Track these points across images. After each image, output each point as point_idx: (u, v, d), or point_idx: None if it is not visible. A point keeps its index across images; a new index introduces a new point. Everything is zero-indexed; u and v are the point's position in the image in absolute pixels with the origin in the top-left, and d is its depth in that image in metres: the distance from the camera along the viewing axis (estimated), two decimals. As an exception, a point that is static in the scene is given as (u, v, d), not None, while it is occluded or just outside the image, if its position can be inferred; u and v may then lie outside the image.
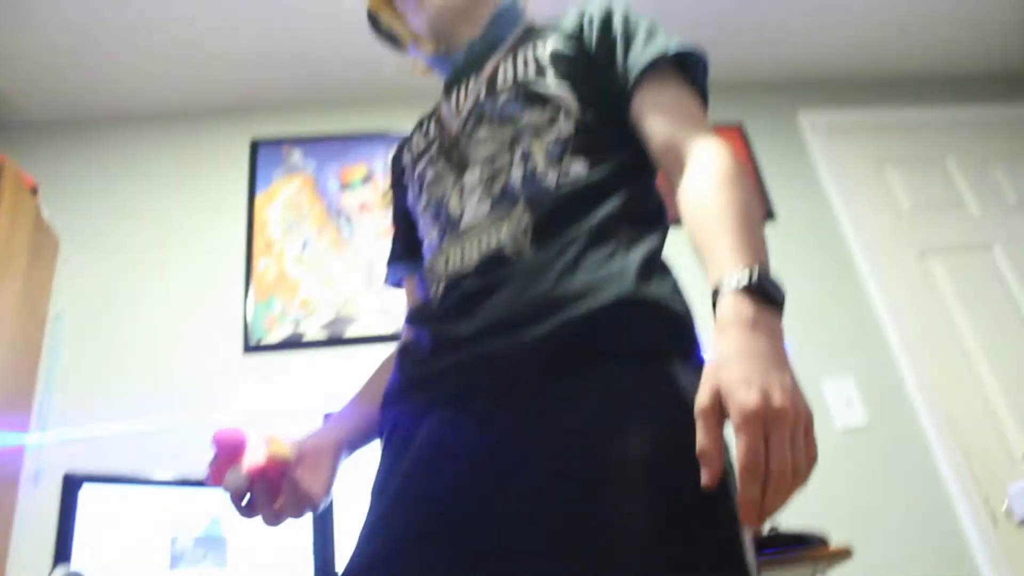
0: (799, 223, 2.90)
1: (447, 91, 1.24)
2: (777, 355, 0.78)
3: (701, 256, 0.91)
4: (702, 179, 0.96)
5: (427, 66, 1.35)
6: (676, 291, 0.96)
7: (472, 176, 1.07)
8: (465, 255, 1.01)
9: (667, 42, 1.08)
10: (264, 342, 2.47)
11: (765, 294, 0.82)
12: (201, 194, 2.76)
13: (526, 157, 1.04)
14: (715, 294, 0.84)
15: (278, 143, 2.86)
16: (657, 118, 1.05)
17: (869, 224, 2.93)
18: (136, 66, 2.73)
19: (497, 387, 0.91)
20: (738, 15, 2.96)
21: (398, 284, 1.35)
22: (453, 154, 1.12)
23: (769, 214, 2.89)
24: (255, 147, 2.84)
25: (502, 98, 1.11)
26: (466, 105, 1.16)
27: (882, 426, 2.52)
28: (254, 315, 2.51)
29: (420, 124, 1.28)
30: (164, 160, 2.82)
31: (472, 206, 1.04)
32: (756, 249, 0.87)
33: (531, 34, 1.22)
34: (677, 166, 1.02)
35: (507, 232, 0.99)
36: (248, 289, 2.56)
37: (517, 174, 1.03)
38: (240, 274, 2.60)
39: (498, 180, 1.04)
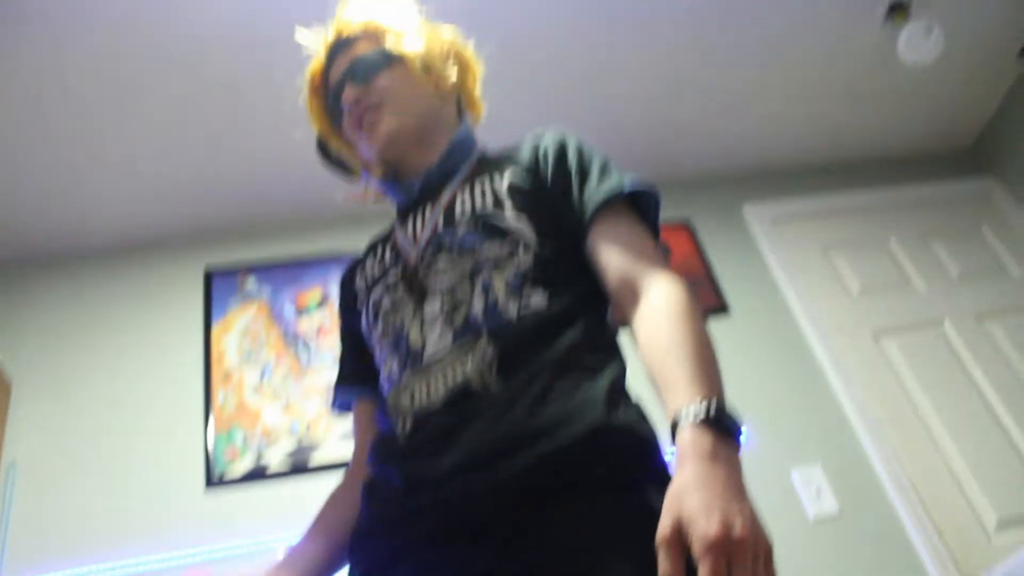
0: (753, 315, 2.94)
1: (402, 218, 1.25)
2: (736, 485, 0.81)
3: (657, 387, 0.94)
4: (658, 313, 1.00)
5: (378, 192, 1.36)
6: (642, 416, 0.99)
7: (432, 307, 1.07)
8: (431, 390, 1.01)
9: (621, 179, 1.13)
10: (227, 476, 2.42)
11: (723, 426, 0.85)
12: (156, 328, 2.74)
13: (487, 289, 1.05)
14: (674, 425, 0.87)
15: (232, 271, 2.86)
16: (612, 253, 1.09)
17: (821, 310, 2.98)
18: (82, 203, 2.74)
19: (474, 526, 0.91)
20: (679, 115, 3.06)
21: (346, 408, 1.33)
22: (412, 283, 1.12)
23: (722, 308, 2.93)
24: (209, 277, 2.84)
25: (461, 229, 1.12)
26: (424, 234, 1.17)
27: (854, 512, 2.51)
28: (215, 448, 2.47)
29: (373, 248, 1.29)
30: (117, 295, 2.80)
31: (434, 338, 1.05)
32: (712, 382, 0.91)
33: (486, 164, 1.24)
34: (631, 299, 1.05)
35: (472, 365, 0.99)
36: (208, 422, 2.52)
37: (478, 306, 1.04)
38: (199, 407, 2.57)
39: (459, 312, 1.04)
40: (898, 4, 2.87)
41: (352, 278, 1.31)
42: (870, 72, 3.11)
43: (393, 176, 1.30)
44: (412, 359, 1.06)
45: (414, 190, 1.25)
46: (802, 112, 3.21)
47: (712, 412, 0.85)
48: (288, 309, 2.79)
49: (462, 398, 0.98)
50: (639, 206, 1.15)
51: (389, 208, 1.33)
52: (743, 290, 3.00)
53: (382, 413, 1.14)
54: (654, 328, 0.99)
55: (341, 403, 1.33)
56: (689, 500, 0.78)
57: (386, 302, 1.15)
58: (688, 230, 3.13)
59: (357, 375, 1.30)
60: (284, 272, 2.87)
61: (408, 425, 1.02)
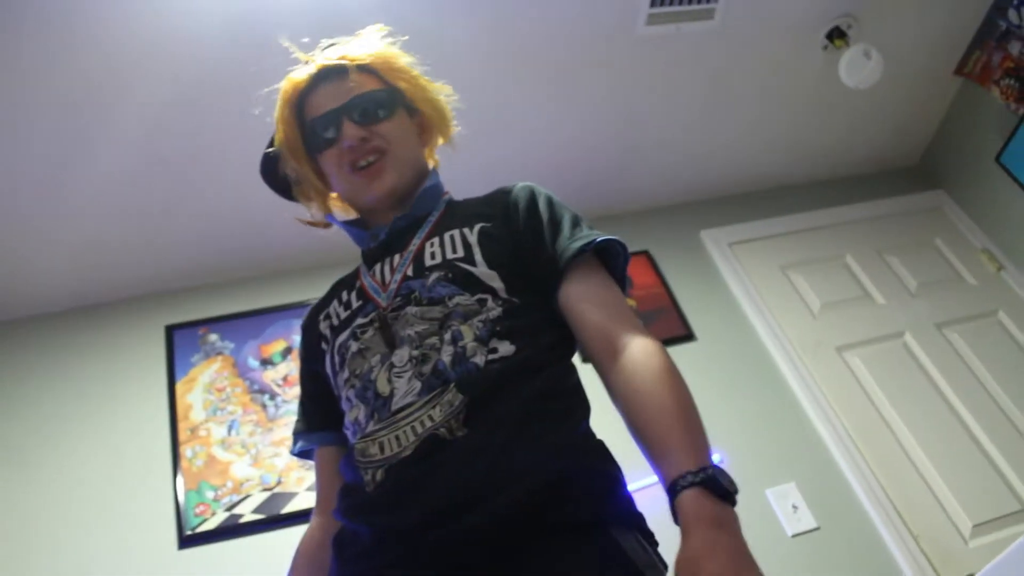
0: (718, 339, 2.97)
1: (368, 263, 1.25)
2: (746, 552, 0.86)
3: (646, 446, 0.97)
4: (643, 375, 1.02)
5: (329, 223, 1.34)
6: (607, 456, 1.04)
7: (401, 355, 1.07)
8: (401, 440, 1.01)
9: (591, 233, 1.16)
10: (199, 532, 2.38)
11: (723, 492, 0.89)
12: (119, 387, 2.68)
13: (456, 339, 1.05)
14: (672, 488, 0.90)
15: (193, 326, 2.84)
16: (588, 308, 1.11)
17: (784, 329, 3.01)
18: (33, 266, 2.70)
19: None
20: (632, 150, 3.11)
21: (306, 455, 1.32)
22: (381, 330, 1.11)
23: (688, 335, 2.95)
24: (170, 333, 2.81)
25: (431, 278, 1.12)
26: (393, 280, 1.16)
27: (832, 525, 2.52)
28: (185, 505, 2.43)
29: (337, 292, 1.27)
30: (77, 356, 2.75)
31: (402, 386, 1.04)
32: (706, 448, 0.95)
33: (455, 213, 1.25)
34: (610, 356, 1.06)
35: (441, 415, 0.99)
36: (176, 479, 2.48)
37: (447, 356, 1.04)
38: (167, 465, 2.52)
39: (428, 361, 1.04)
40: (837, 30, 2.96)
41: (315, 322, 1.29)
42: (815, 96, 3.19)
43: (362, 223, 1.30)
44: (380, 408, 1.05)
45: (380, 236, 1.25)
46: (752, 139, 3.28)
47: (713, 478, 0.89)
48: (252, 361, 2.77)
49: (431, 448, 0.98)
50: (607, 260, 1.19)
51: (349, 254, 1.31)
52: (707, 316, 3.03)
53: (347, 461, 1.12)
54: (642, 390, 1.01)
55: (302, 450, 1.32)
56: (706, 568, 0.82)
57: (353, 346, 1.14)
58: (648, 259, 3.16)
59: (318, 420, 1.29)
60: (246, 324, 2.85)
61: (378, 476, 1.02)
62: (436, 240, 1.18)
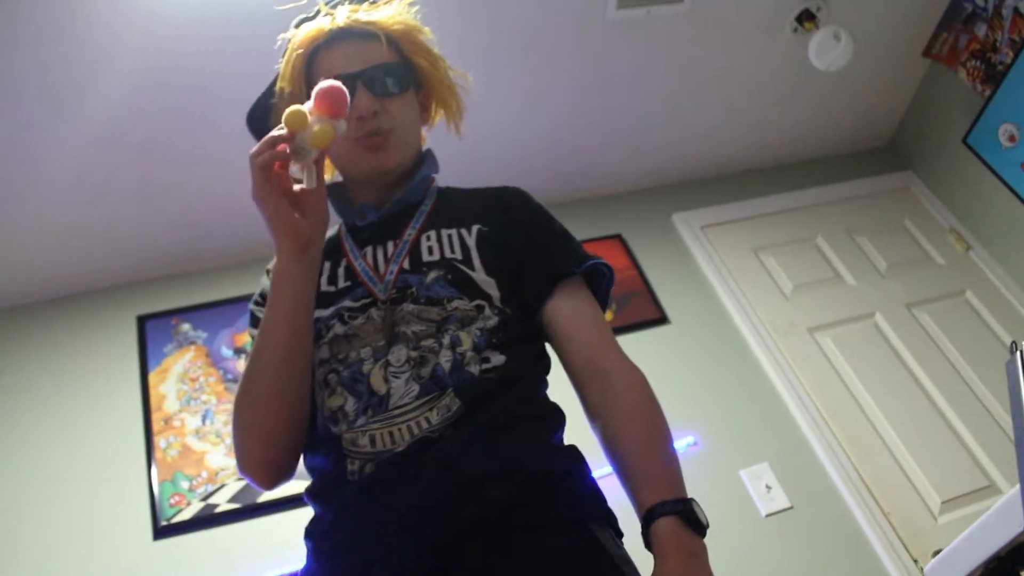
0: (692, 322, 2.99)
1: (357, 240, 1.22)
2: None
3: (626, 472, 1.03)
4: (626, 403, 1.07)
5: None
6: (583, 460, 1.09)
7: (398, 355, 1.07)
8: (395, 437, 1.02)
9: (581, 252, 1.20)
10: (174, 523, 2.37)
11: (696, 524, 0.95)
12: (91, 379, 2.65)
13: (454, 345, 1.07)
14: (649, 514, 0.95)
15: (165, 316, 2.81)
16: (574, 328, 1.15)
17: (757, 310, 3.04)
18: (4, 256, 2.65)
19: (436, 570, 0.94)
20: (603, 133, 3.11)
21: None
22: (382, 324, 1.10)
23: (662, 318, 2.97)
24: (142, 323, 2.79)
25: (430, 276, 1.13)
26: (389, 272, 1.15)
27: (805, 505, 2.55)
28: (160, 495, 2.41)
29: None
30: (48, 348, 2.71)
31: (399, 387, 1.05)
32: (682, 481, 1.01)
33: (448, 205, 1.25)
34: (594, 380, 1.11)
35: (438, 418, 1.02)
36: (151, 470, 2.47)
37: (446, 361, 1.06)
38: (141, 456, 2.50)
39: (426, 365, 1.06)
40: (806, 12, 2.97)
41: None
42: (785, 79, 3.20)
43: (344, 188, 1.28)
44: (375, 404, 1.05)
45: (367, 215, 1.22)
46: (723, 122, 3.29)
47: (689, 511, 0.95)
48: (226, 350, 2.75)
49: (422, 446, 1.01)
50: (593, 280, 1.22)
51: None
52: (680, 298, 3.05)
53: (319, 442, 1.10)
54: (623, 416, 1.06)
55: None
56: None
57: (338, 328, 1.12)
58: (621, 242, 3.17)
59: None
60: (219, 313, 2.83)
61: (367, 468, 1.02)
62: (433, 235, 1.18)
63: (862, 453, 2.69)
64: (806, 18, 2.97)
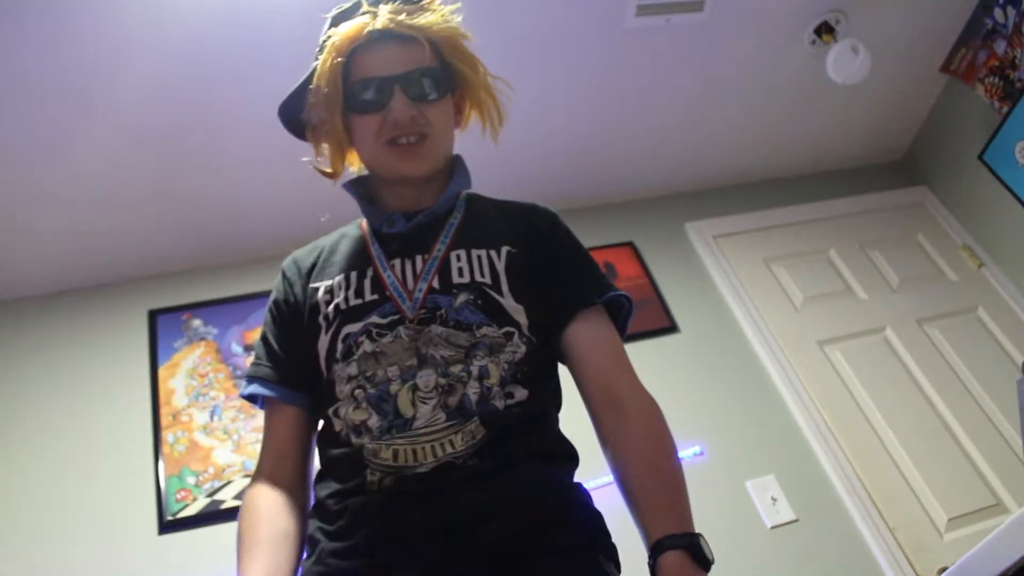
0: (701, 331, 2.98)
1: (386, 250, 1.21)
2: None
3: (636, 503, 1.05)
4: (641, 435, 1.10)
5: (332, 174, 1.29)
6: (588, 494, 1.14)
7: (427, 380, 1.07)
8: (419, 456, 1.04)
9: (605, 282, 1.23)
10: (180, 518, 2.37)
11: (704, 559, 0.96)
12: (101, 372, 2.67)
13: (482, 376, 1.08)
14: (657, 545, 0.97)
15: (176, 311, 2.82)
16: (595, 353, 1.17)
17: (767, 322, 3.03)
18: (17, 248, 2.67)
19: None
20: (619, 141, 3.11)
21: (254, 400, 1.24)
22: (403, 341, 1.11)
23: (672, 327, 2.96)
24: (153, 318, 2.80)
25: (459, 299, 1.13)
26: (418, 290, 1.15)
27: (811, 518, 2.54)
28: (166, 490, 2.42)
29: (336, 258, 1.24)
30: (60, 340, 2.73)
31: (426, 413, 1.06)
32: (690, 516, 1.03)
33: (477, 219, 1.25)
34: (611, 411, 1.13)
35: (463, 444, 1.04)
36: (158, 465, 2.47)
37: (473, 393, 1.07)
38: (148, 450, 2.51)
39: (454, 394, 1.07)
40: (825, 25, 2.97)
41: (306, 282, 1.25)
42: (802, 91, 3.20)
43: (371, 187, 1.28)
44: (401, 424, 1.06)
45: (396, 223, 1.22)
46: (738, 132, 3.29)
47: (698, 546, 0.96)
48: (236, 347, 2.76)
49: (446, 469, 1.03)
50: (613, 310, 1.24)
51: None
52: (690, 307, 3.05)
53: (331, 445, 1.12)
54: (638, 448, 1.08)
55: (251, 393, 1.23)
56: None
57: (367, 346, 1.12)
58: (633, 250, 3.17)
59: (294, 378, 1.21)
60: (230, 310, 2.84)
61: (387, 481, 1.04)
62: (463, 254, 1.18)
63: (869, 467, 2.68)
64: (825, 31, 2.97)
